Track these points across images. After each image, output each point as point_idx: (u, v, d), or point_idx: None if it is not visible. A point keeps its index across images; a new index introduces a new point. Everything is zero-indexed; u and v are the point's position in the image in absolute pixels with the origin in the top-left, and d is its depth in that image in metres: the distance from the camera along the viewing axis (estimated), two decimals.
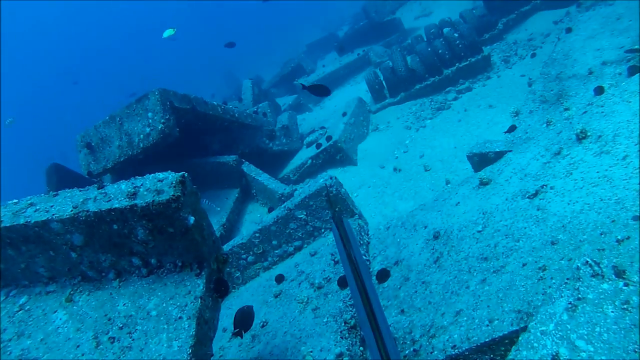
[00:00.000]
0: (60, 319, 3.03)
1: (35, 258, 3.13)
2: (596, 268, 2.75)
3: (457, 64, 10.24)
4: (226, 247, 5.82)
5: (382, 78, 11.07)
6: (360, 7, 18.80)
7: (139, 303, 2.98)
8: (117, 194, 2.87)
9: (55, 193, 3.08)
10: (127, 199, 2.80)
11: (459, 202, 4.68)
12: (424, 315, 3.69)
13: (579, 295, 2.68)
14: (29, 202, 3.08)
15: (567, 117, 4.71)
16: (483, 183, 4.64)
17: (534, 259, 3.37)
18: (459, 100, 9.57)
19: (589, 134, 4.17)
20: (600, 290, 2.63)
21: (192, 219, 2.81)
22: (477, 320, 3.27)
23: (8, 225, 3.00)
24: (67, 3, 71.24)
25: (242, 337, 3.82)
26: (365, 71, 14.39)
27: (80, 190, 3.03)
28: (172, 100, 7.31)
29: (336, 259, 4.96)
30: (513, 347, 2.84)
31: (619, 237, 3.01)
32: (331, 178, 5.51)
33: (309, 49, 22.17)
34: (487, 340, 3.10)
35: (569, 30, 6.29)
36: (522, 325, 2.97)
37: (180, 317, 2.84)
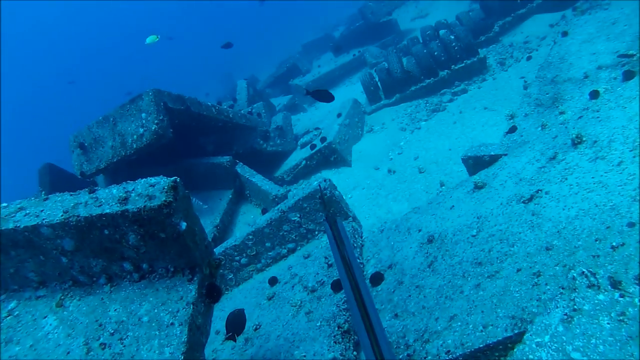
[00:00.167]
0: (51, 325, 2.99)
1: (25, 262, 3.08)
2: (592, 279, 2.73)
3: (452, 65, 10.23)
4: (219, 249, 5.80)
5: (377, 79, 11.06)
6: (356, 8, 18.77)
7: (131, 308, 2.95)
8: (108, 199, 2.84)
9: (45, 197, 3.03)
10: (119, 204, 2.76)
11: (453, 206, 4.67)
12: (417, 320, 3.67)
13: (575, 307, 2.66)
14: (18, 206, 3.04)
15: (563, 122, 4.71)
16: (478, 187, 4.62)
17: (529, 264, 3.35)
18: (454, 102, 9.56)
19: (584, 139, 4.16)
20: (596, 302, 2.62)
21: (184, 225, 2.78)
22: (471, 326, 3.25)
23: None
24: (67, 3, 71.22)
25: (235, 341, 3.78)
26: (360, 72, 14.40)
27: (71, 195, 2.99)
28: (166, 101, 7.26)
29: (329, 262, 4.94)
30: (508, 358, 2.82)
31: (614, 244, 3.00)
32: (325, 181, 5.49)
33: (304, 49, 22.13)
34: (481, 346, 3.08)
35: (564, 33, 6.29)
36: (516, 332, 2.96)
37: (172, 323, 2.81)
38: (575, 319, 2.61)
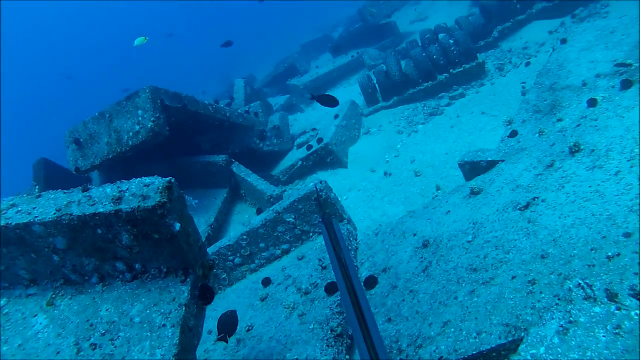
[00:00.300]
0: (41, 324, 2.95)
1: (16, 260, 3.04)
2: (588, 291, 2.72)
3: (451, 69, 10.24)
4: (213, 248, 5.77)
5: (375, 81, 11.05)
6: (355, 9, 18.76)
7: (122, 309, 2.92)
8: (101, 198, 2.80)
9: (38, 194, 2.99)
10: (112, 204, 2.73)
11: (449, 211, 4.65)
12: (411, 325, 3.65)
13: (571, 318, 2.65)
14: (10, 202, 3.00)
15: (561, 129, 4.70)
16: (474, 192, 4.61)
17: (524, 272, 3.34)
18: (451, 106, 9.56)
19: (582, 147, 4.15)
20: (592, 314, 2.61)
21: (178, 226, 2.75)
22: (464, 332, 3.24)
23: None
24: (67, 3, 71.09)
25: (227, 342, 3.76)
26: (358, 74, 14.37)
27: (64, 193, 2.95)
28: (163, 99, 7.23)
29: (323, 264, 4.92)
30: None
31: (610, 254, 2.99)
32: (321, 182, 5.47)
33: (302, 49, 22.11)
34: (474, 352, 3.06)
35: (563, 41, 6.29)
36: (509, 339, 2.94)
37: (164, 325, 2.78)
38: (571, 330, 2.60)
